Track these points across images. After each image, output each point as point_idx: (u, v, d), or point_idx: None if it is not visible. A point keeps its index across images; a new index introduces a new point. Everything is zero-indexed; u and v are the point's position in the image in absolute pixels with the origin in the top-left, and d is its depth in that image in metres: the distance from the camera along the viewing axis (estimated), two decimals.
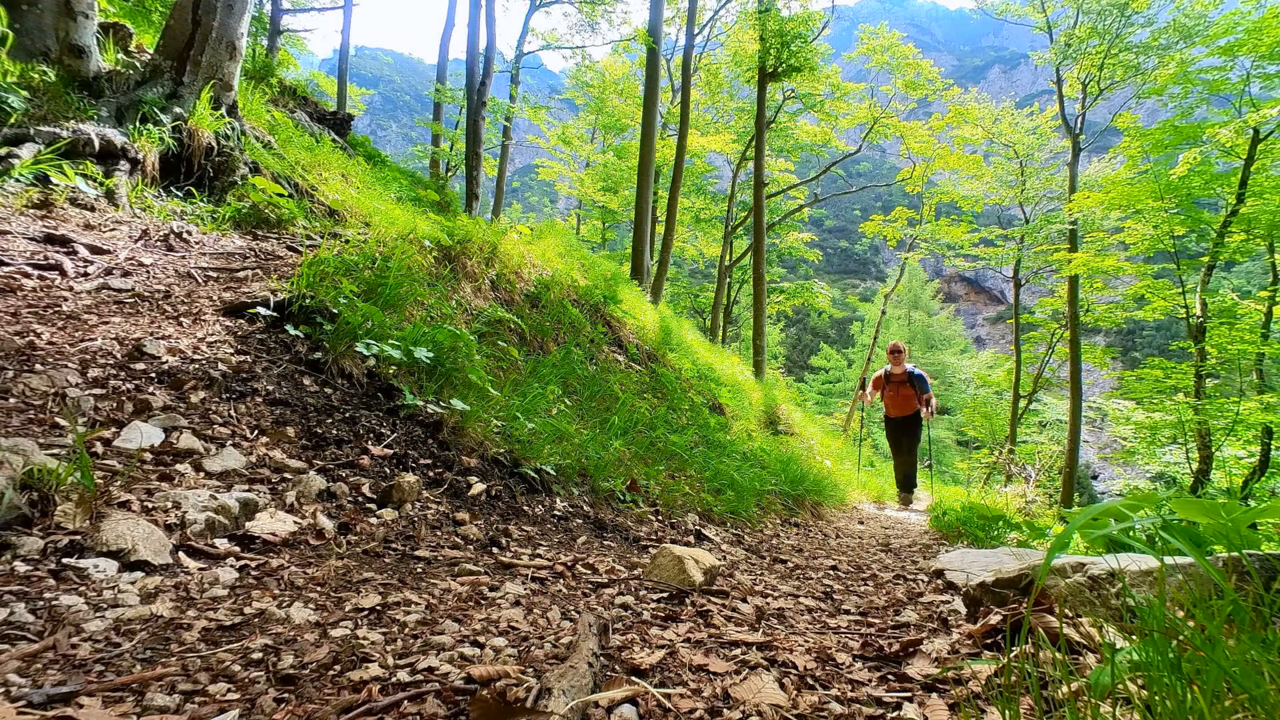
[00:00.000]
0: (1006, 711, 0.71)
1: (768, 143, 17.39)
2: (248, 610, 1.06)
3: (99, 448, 1.48)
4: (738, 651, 1.12)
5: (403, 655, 0.97)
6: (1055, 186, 17.41)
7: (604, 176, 23.35)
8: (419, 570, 1.43)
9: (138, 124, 3.47)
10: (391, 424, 2.15)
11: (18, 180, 2.85)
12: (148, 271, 2.65)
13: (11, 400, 1.54)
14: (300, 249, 3.22)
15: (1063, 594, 1.16)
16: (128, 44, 4.18)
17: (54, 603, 0.98)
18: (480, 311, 3.81)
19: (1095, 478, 38.18)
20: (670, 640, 1.15)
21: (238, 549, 1.33)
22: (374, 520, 1.65)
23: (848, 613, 1.54)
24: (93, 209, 3.06)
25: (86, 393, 1.66)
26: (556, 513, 2.22)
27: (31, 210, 2.83)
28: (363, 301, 2.52)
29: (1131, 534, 1.45)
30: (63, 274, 2.40)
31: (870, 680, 1.02)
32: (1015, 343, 18.53)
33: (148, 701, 0.77)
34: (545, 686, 0.83)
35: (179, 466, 1.52)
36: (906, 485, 7.44)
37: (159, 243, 2.97)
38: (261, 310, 2.33)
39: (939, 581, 1.88)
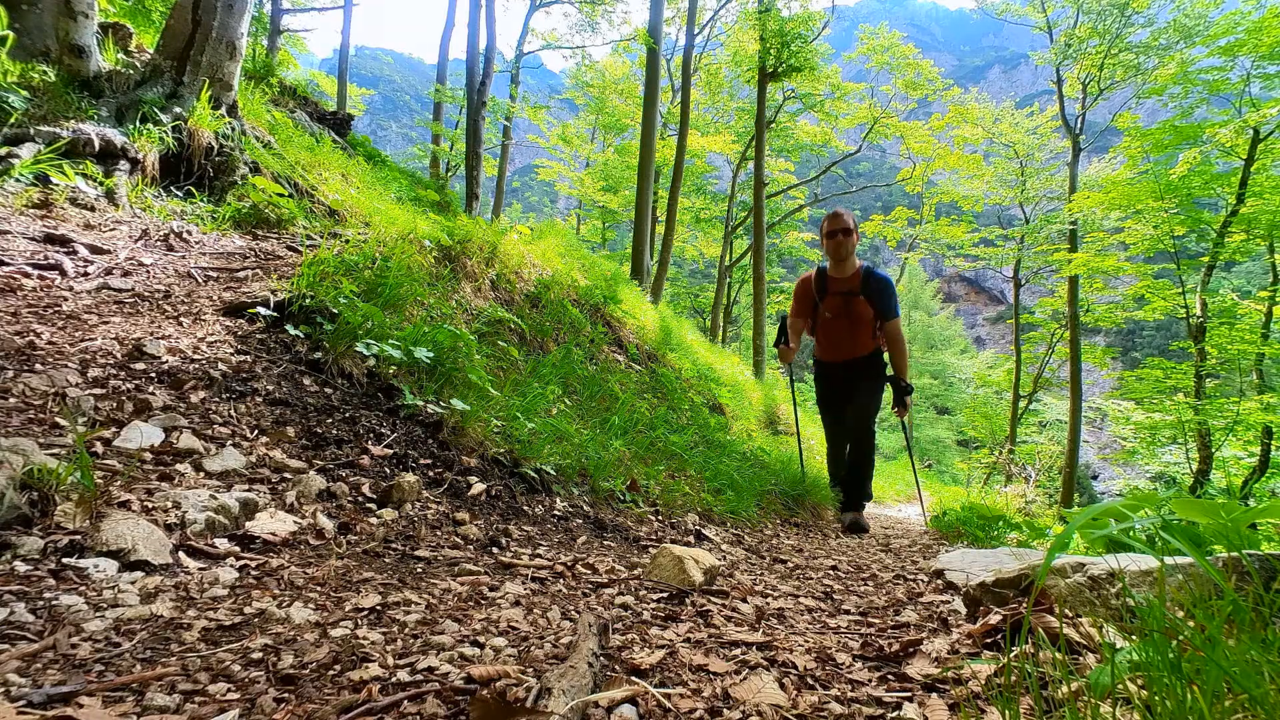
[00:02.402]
0: (1006, 711, 0.71)
1: (768, 143, 17.39)
2: (248, 610, 1.06)
3: (99, 448, 1.48)
4: (738, 651, 1.12)
5: (403, 655, 0.97)
6: (1055, 186, 17.42)
7: (604, 176, 23.35)
8: (419, 570, 1.43)
9: (138, 124, 3.47)
10: (391, 424, 2.15)
11: (18, 180, 2.85)
12: (148, 271, 2.65)
13: (11, 400, 1.54)
14: (300, 249, 3.22)
15: (1063, 594, 1.16)
16: (128, 44, 4.18)
17: (54, 603, 0.98)
18: (480, 311, 3.81)
19: (1095, 478, 38.20)
20: (670, 640, 1.15)
21: (238, 549, 1.33)
22: (374, 520, 1.65)
23: (848, 613, 1.54)
24: (93, 209, 3.06)
25: (86, 393, 1.66)
26: (556, 513, 2.22)
27: (31, 210, 2.83)
28: (363, 301, 2.52)
29: (1131, 534, 1.45)
30: (63, 274, 2.40)
31: (870, 680, 1.02)
32: (1015, 343, 18.54)
33: (148, 701, 0.77)
34: (545, 686, 0.83)
35: (179, 466, 1.52)
36: (851, 495, 4.15)
37: (159, 242, 2.97)
38: (261, 310, 2.33)
39: (939, 581, 1.88)
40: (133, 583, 1.09)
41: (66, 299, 2.22)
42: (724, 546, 2.48)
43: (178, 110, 3.64)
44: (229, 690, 0.82)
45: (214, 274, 2.79)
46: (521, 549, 1.76)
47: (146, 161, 3.45)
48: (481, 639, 1.06)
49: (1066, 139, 15.95)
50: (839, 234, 3.95)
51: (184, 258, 2.88)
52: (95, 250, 2.68)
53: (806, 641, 1.21)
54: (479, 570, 1.49)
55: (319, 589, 1.21)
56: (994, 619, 1.18)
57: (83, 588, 1.05)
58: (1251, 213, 9.51)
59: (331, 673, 0.89)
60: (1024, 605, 1.18)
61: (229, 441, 1.70)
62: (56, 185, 2.96)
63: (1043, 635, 1.02)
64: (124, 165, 3.33)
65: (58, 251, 2.56)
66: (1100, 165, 16.02)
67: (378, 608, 1.15)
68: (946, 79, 19.48)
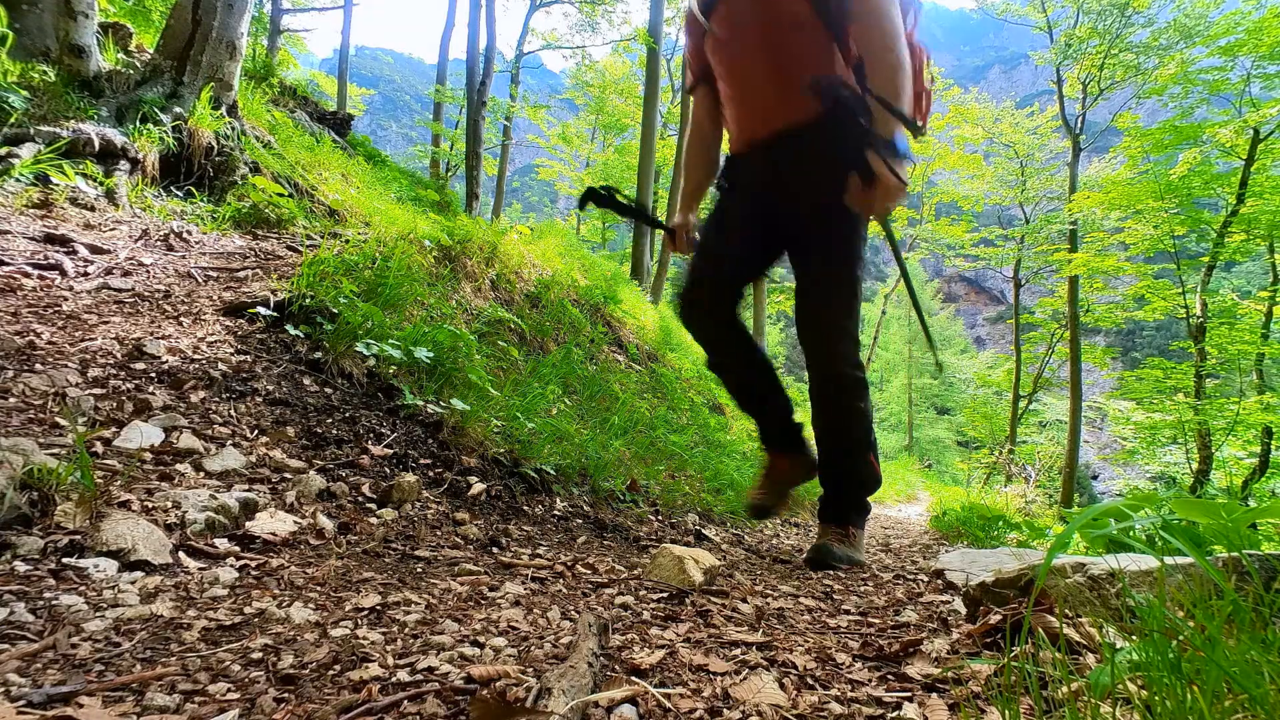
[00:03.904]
0: (1006, 711, 0.71)
1: None
2: (248, 610, 1.06)
3: (99, 447, 1.48)
4: (737, 651, 1.12)
5: (403, 655, 0.97)
6: (1055, 186, 17.43)
7: (604, 176, 23.34)
8: (419, 570, 1.43)
9: (138, 124, 3.47)
10: (391, 424, 2.15)
11: (18, 180, 2.85)
12: (148, 271, 2.65)
13: (11, 400, 1.54)
14: (300, 249, 3.22)
15: (1063, 594, 1.16)
16: (128, 44, 4.18)
17: (54, 602, 0.98)
18: (480, 311, 3.81)
19: (1095, 478, 38.21)
20: (670, 640, 1.15)
21: (238, 549, 1.33)
22: (374, 520, 1.65)
23: (848, 613, 1.54)
24: (93, 209, 3.06)
25: (86, 392, 1.66)
26: (556, 513, 2.22)
27: (31, 210, 2.83)
28: (363, 301, 2.52)
29: (1131, 534, 1.45)
30: (63, 274, 2.40)
31: (870, 680, 1.02)
32: (1015, 343, 18.55)
33: (148, 701, 0.77)
34: (545, 686, 0.83)
35: (179, 466, 1.52)
36: (831, 493, 2.08)
37: (159, 242, 2.97)
38: (261, 310, 2.33)
39: (939, 581, 1.88)
40: (133, 583, 1.09)
41: (66, 299, 2.22)
42: (724, 546, 2.48)
43: (178, 110, 3.64)
44: (229, 690, 0.82)
45: (214, 274, 2.79)
46: (521, 549, 1.76)
47: (146, 161, 3.45)
48: (481, 639, 1.06)
49: (1066, 139, 15.96)
50: None
51: (184, 258, 2.88)
52: (95, 250, 2.68)
53: (806, 641, 1.21)
54: (479, 570, 1.49)
55: (319, 589, 1.21)
56: (994, 619, 1.18)
57: (83, 588, 1.05)
58: (1251, 213, 9.52)
59: (331, 673, 0.89)
60: (1024, 605, 1.18)
61: (229, 441, 1.70)
62: (56, 185, 2.96)
63: (1043, 635, 1.02)
64: (124, 165, 3.33)
65: (58, 251, 2.56)
66: (1100, 165, 16.02)
67: (378, 608, 1.15)
68: (946, 79, 19.50)
